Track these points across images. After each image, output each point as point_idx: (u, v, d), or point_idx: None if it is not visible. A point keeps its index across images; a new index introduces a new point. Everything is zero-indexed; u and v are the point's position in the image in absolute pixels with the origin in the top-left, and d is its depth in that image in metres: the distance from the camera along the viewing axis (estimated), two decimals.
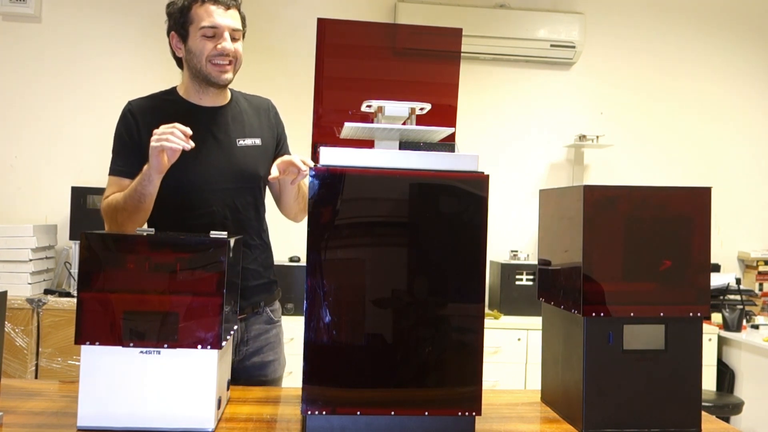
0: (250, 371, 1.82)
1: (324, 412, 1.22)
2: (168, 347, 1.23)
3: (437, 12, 3.82)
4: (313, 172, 1.23)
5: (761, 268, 4.10)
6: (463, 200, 1.26)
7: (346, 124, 1.28)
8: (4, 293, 1.35)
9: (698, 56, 4.19)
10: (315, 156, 1.43)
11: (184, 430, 1.24)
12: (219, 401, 1.30)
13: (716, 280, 3.70)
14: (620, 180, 4.01)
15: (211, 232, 1.33)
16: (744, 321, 3.65)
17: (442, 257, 1.26)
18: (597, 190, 1.35)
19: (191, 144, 1.56)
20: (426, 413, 1.24)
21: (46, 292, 3.38)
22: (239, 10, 1.77)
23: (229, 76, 1.75)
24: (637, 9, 4.15)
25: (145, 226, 1.74)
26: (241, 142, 1.79)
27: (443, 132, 1.30)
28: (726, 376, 3.58)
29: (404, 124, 1.31)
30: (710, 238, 1.37)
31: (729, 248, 4.18)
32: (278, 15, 3.86)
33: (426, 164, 1.26)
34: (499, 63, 4.04)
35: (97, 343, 1.22)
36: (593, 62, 4.10)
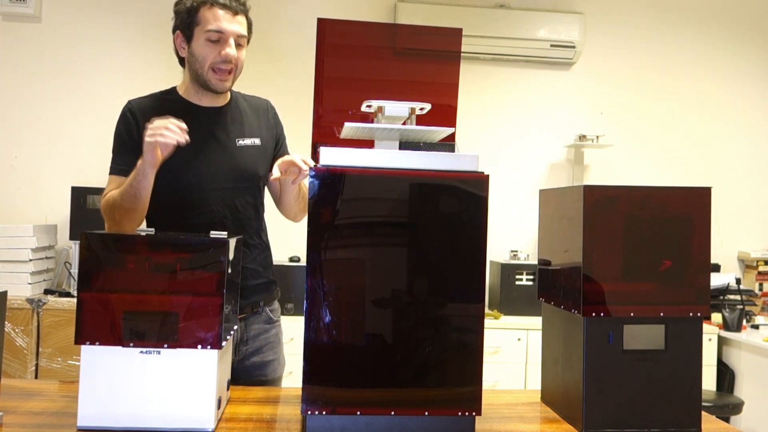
0: (249, 371, 1.82)
1: (324, 412, 1.22)
2: (168, 347, 1.23)
3: (437, 12, 3.82)
4: (313, 172, 1.23)
5: (761, 268, 4.10)
6: (463, 200, 1.26)
7: (346, 124, 1.28)
8: (4, 293, 1.35)
9: (698, 56, 4.19)
10: (315, 156, 1.43)
11: (184, 430, 1.24)
12: (219, 401, 1.30)
13: (716, 280, 3.70)
14: (620, 180, 4.01)
15: (211, 232, 1.33)
16: (744, 321, 3.65)
17: (442, 257, 1.26)
18: (597, 190, 1.34)
19: (186, 138, 1.56)
20: (426, 413, 1.24)
21: (46, 292, 3.38)
22: (247, 16, 1.77)
23: (228, 84, 1.75)
24: (637, 9, 4.15)
25: (144, 225, 1.74)
26: (241, 142, 1.79)
27: (443, 132, 1.30)
28: (726, 376, 3.58)
29: (404, 124, 1.31)
30: (710, 238, 1.37)
31: (729, 248, 4.18)
32: (278, 15, 3.86)
33: (426, 164, 1.26)
34: (499, 63, 4.04)
35: (97, 343, 1.22)
36: (593, 62, 4.10)
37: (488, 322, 3.23)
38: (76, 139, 3.75)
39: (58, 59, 3.76)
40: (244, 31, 1.75)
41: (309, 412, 1.22)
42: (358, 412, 1.22)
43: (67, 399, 1.43)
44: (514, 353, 3.47)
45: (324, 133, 1.44)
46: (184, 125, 1.56)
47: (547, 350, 1.56)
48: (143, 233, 1.32)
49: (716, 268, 4.02)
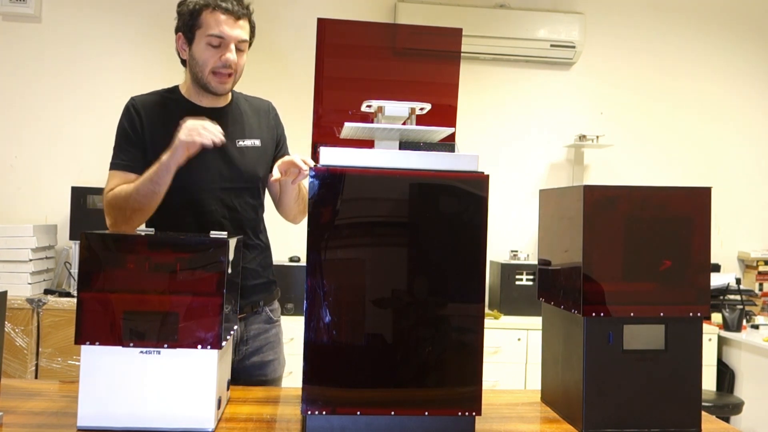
0: (249, 371, 1.82)
1: (324, 412, 1.22)
2: (168, 347, 1.23)
3: (437, 12, 3.82)
4: (313, 172, 1.23)
5: (761, 268, 4.10)
6: (463, 200, 1.26)
7: (346, 124, 1.28)
8: (4, 293, 1.35)
9: (698, 56, 4.19)
10: (315, 156, 1.43)
11: (184, 430, 1.24)
12: (219, 401, 1.30)
13: (716, 280, 3.70)
14: (620, 180, 4.01)
15: (211, 232, 1.33)
16: (744, 321, 3.65)
17: (442, 257, 1.26)
18: (597, 190, 1.34)
19: (222, 138, 1.60)
20: (426, 413, 1.24)
21: (46, 292, 3.38)
22: (250, 20, 1.76)
23: (227, 87, 1.76)
24: (637, 9, 4.15)
25: (143, 226, 1.74)
26: (241, 143, 1.79)
27: (443, 132, 1.30)
28: (726, 376, 3.58)
29: (404, 124, 1.31)
30: (710, 238, 1.37)
31: (729, 248, 4.18)
32: (278, 15, 3.86)
33: (426, 164, 1.26)
34: (499, 63, 4.04)
35: (97, 343, 1.22)
36: (593, 62, 4.10)
37: (488, 322, 3.23)
38: (76, 139, 3.75)
39: (58, 59, 3.76)
40: (246, 36, 1.75)
41: (309, 412, 1.22)
42: (358, 412, 1.22)
43: (67, 399, 1.43)
44: (514, 353, 3.47)
45: (324, 133, 1.44)
46: (219, 128, 1.60)
47: (547, 350, 1.56)
48: (143, 233, 1.32)
49: (716, 268, 4.02)
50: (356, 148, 1.26)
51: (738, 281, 3.88)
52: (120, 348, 1.23)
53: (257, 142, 1.82)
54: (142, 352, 1.23)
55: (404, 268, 1.25)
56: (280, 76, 3.71)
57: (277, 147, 1.89)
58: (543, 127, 4.09)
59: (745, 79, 4.23)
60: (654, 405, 1.35)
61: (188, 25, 1.73)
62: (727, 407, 3.28)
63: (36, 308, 3.19)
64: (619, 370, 1.34)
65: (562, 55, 3.99)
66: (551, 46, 3.94)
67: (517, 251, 3.80)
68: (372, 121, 1.32)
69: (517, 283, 3.66)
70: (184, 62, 1.80)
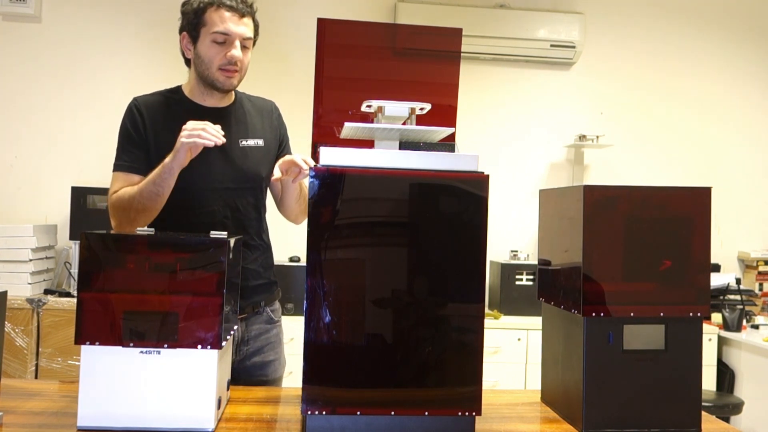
0: (250, 371, 1.82)
1: (324, 412, 1.22)
2: (168, 347, 1.23)
3: (437, 12, 3.82)
4: (313, 172, 1.23)
5: (761, 268, 4.09)
6: (463, 200, 1.26)
7: (346, 124, 1.28)
8: (4, 293, 1.35)
9: (698, 56, 4.19)
10: (315, 156, 1.43)
11: (184, 430, 1.24)
12: (219, 401, 1.30)
13: (716, 280, 3.70)
14: (620, 180, 4.01)
15: (211, 232, 1.33)
16: (744, 321, 3.65)
17: (442, 257, 1.26)
18: (597, 190, 1.34)
19: (223, 140, 1.59)
20: (426, 413, 1.24)
21: (46, 292, 3.38)
22: (254, 18, 1.77)
23: (234, 82, 1.76)
24: (637, 9, 4.15)
25: (146, 226, 1.74)
26: (244, 143, 1.80)
27: (443, 132, 1.30)
28: (726, 376, 3.58)
29: (404, 124, 1.31)
30: (710, 238, 1.37)
31: (729, 248, 4.18)
32: (278, 15, 3.86)
33: (426, 164, 1.26)
34: (499, 63, 4.04)
35: (97, 343, 1.22)
36: (593, 62, 4.10)
37: (488, 322, 3.23)
38: (76, 139, 3.75)
39: (58, 59, 3.76)
40: (250, 34, 1.75)
41: (309, 412, 1.22)
42: (358, 412, 1.22)
43: (67, 399, 1.43)
44: (514, 353, 3.47)
45: (324, 133, 1.44)
46: (219, 129, 1.60)
47: (547, 350, 1.56)
48: (143, 233, 1.32)
49: (716, 268, 4.01)
50: (356, 148, 1.26)
51: (738, 281, 3.88)
52: (120, 348, 1.23)
53: (260, 142, 1.82)
54: (142, 352, 1.23)
55: (404, 268, 1.25)
56: (280, 76, 3.71)
57: (280, 147, 1.89)
58: (543, 127, 4.09)
59: (745, 79, 4.23)
60: (654, 405, 1.35)
61: (193, 24, 1.73)
62: (727, 407, 3.28)
63: (36, 308, 3.19)
64: (619, 370, 1.34)
65: (562, 55, 3.99)
66: (551, 46, 3.94)
67: (517, 251, 3.80)
68: (372, 121, 1.32)
69: (517, 283, 3.66)
70: (188, 62, 1.80)
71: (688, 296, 1.36)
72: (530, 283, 3.64)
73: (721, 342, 3.62)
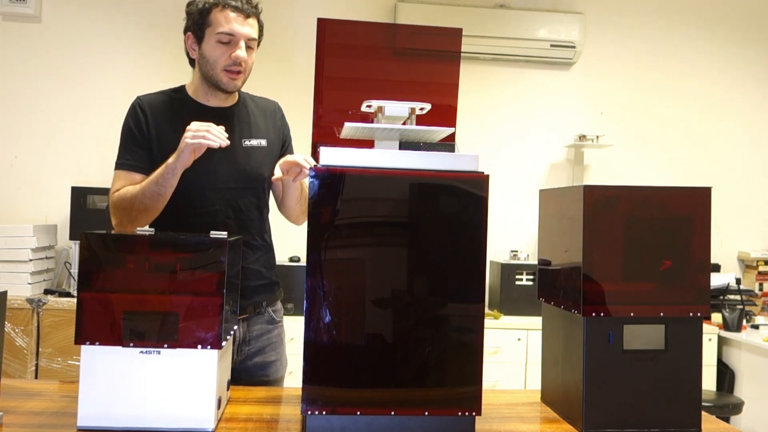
0: (251, 371, 1.82)
1: (324, 412, 1.22)
2: (168, 347, 1.23)
3: (437, 12, 3.82)
4: (313, 172, 1.23)
5: (761, 268, 4.10)
6: (463, 200, 1.26)
7: (346, 124, 1.28)
8: (4, 293, 1.35)
9: (698, 56, 4.19)
10: (315, 156, 1.43)
11: (184, 430, 1.24)
12: (219, 401, 1.30)
13: (716, 280, 3.70)
14: (620, 180, 4.01)
15: (211, 232, 1.33)
16: (744, 321, 3.65)
17: (442, 257, 1.26)
18: (597, 190, 1.34)
19: (227, 142, 1.60)
20: (426, 413, 1.24)
21: (46, 292, 3.38)
22: (258, 19, 1.77)
23: (238, 83, 1.76)
24: (637, 9, 4.15)
25: (147, 225, 1.74)
26: (247, 143, 1.80)
27: (443, 132, 1.30)
28: (726, 376, 3.58)
29: (404, 124, 1.31)
30: (710, 238, 1.37)
31: (729, 248, 4.18)
32: (278, 15, 3.86)
33: (426, 164, 1.26)
34: (499, 63, 4.04)
35: (97, 343, 1.22)
36: (593, 62, 4.10)
37: (488, 322, 3.23)
38: (76, 139, 3.75)
39: (58, 59, 3.76)
40: (255, 35, 1.75)
41: (309, 412, 1.22)
42: (358, 412, 1.22)
43: (67, 399, 1.43)
44: (514, 353, 3.47)
45: (324, 133, 1.44)
46: (222, 130, 1.60)
47: (547, 350, 1.56)
48: (143, 233, 1.32)
49: (716, 268, 4.02)
50: (356, 148, 1.26)
51: (738, 281, 3.88)
52: (120, 348, 1.23)
53: (263, 142, 1.82)
54: (142, 352, 1.23)
55: (404, 268, 1.25)
56: (280, 76, 3.71)
57: (283, 147, 1.89)
58: (543, 127, 4.09)
59: (745, 79, 4.23)
60: (654, 405, 1.35)
61: (198, 24, 1.73)
62: (727, 407, 3.28)
63: (36, 308, 3.19)
64: (619, 370, 1.34)
65: (562, 55, 3.99)
66: (551, 46, 3.94)
67: (517, 251, 3.80)
68: (372, 121, 1.32)
69: (517, 283, 3.66)
70: (192, 62, 1.80)
71: (688, 296, 1.36)
72: (530, 283, 3.64)
73: (721, 342, 3.62)
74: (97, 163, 3.68)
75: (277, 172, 1.65)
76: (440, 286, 1.26)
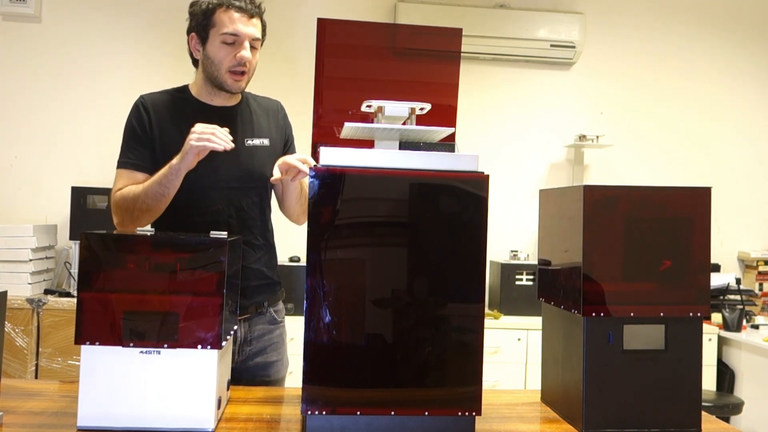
0: (253, 371, 1.82)
1: (324, 412, 1.22)
2: (168, 347, 1.23)
3: (437, 12, 3.82)
4: (313, 172, 1.23)
5: (761, 268, 4.10)
6: (463, 200, 1.26)
7: (346, 124, 1.28)
8: (4, 293, 1.35)
9: (698, 56, 4.19)
10: (315, 156, 1.43)
11: (184, 430, 1.24)
12: (219, 401, 1.30)
13: (716, 280, 3.70)
14: (620, 180, 4.01)
15: (211, 232, 1.33)
16: (744, 321, 3.65)
17: (442, 257, 1.26)
18: (597, 190, 1.34)
19: (232, 145, 1.60)
20: (426, 413, 1.24)
21: (46, 292, 3.38)
22: (261, 19, 1.77)
23: (242, 84, 1.77)
24: (637, 9, 4.15)
25: (148, 225, 1.75)
26: (249, 142, 1.80)
27: (443, 132, 1.30)
28: (726, 376, 3.58)
29: (404, 124, 1.31)
30: (710, 238, 1.37)
31: (729, 248, 4.18)
32: (278, 15, 3.86)
33: (426, 164, 1.26)
34: (499, 63, 4.04)
35: (97, 343, 1.22)
36: (593, 62, 4.10)
37: (488, 322, 3.23)
38: (76, 139, 3.75)
39: (58, 59, 3.76)
40: (259, 35, 1.75)
41: (309, 412, 1.22)
42: (358, 412, 1.22)
43: (67, 399, 1.43)
44: (514, 353, 3.47)
45: (324, 133, 1.44)
46: (227, 132, 1.61)
47: (547, 350, 1.56)
48: (143, 233, 1.32)
49: (716, 268, 4.02)
50: (356, 148, 1.26)
51: (738, 281, 3.88)
52: (120, 348, 1.23)
53: (266, 142, 1.82)
54: (142, 352, 1.23)
55: (404, 268, 1.25)
56: (280, 76, 3.71)
57: (285, 147, 1.89)
58: (543, 127, 4.09)
59: (745, 79, 4.23)
60: (654, 405, 1.35)
61: (202, 25, 1.73)
62: (727, 407, 3.28)
63: (36, 308, 3.19)
64: (619, 370, 1.34)
65: (562, 55, 3.99)
66: (551, 46, 3.94)
67: (517, 251, 3.80)
68: (372, 121, 1.32)
69: (517, 283, 3.66)
70: (195, 63, 1.80)
71: (688, 296, 1.36)
72: (530, 283, 3.64)
73: (721, 342, 3.62)
74: (97, 163, 3.68)
75: (276, 173, 1.65)
76: (440, 286, 1.26)
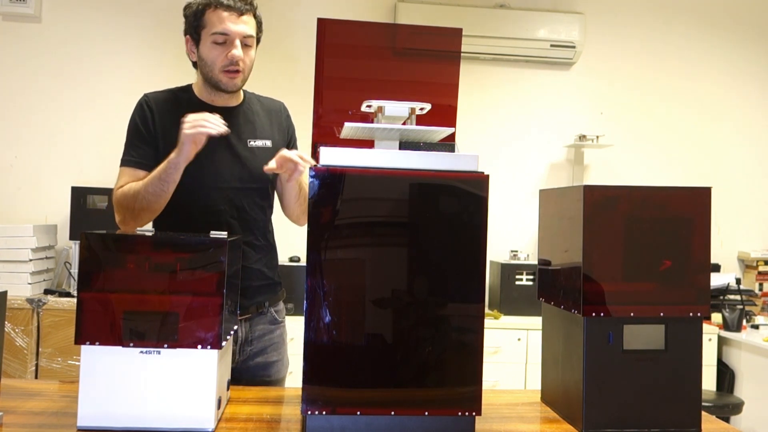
0: (253, 371, 1.82)
1: (324, 412, 1.22)
2: (168, 347, 1.23)
3: (437, 12, 3.82)
4: (313, 172, 1.23)
5: (761, 268, 4.10)
6: (463, 200, 1.26)
7: (346, 124, 1.28)
8: (4, 293, 1.35)
9: (698, 56, 4.19)
10: (315, 156, 1.43)
11: (184, 430, 1.24)
12: (219, 401, 1.30)
13: (716, 280, 3.70)
14: (620, 180, 4.01)
15: (211, 232, 1.33)
16: (744, 321, 3.65)
17: (442, 257, 1.26)
18: (597, 190, 1.34)
19: (225, 129, 1.59)
20: (426, 413, 1.24)
21: (46, 292, 3.38)
22: (255, 15, 1.76)
23: (238, 83, 1.76)
24: (637, 9, 4.15)
25: (149, 225, 1.75)
26: (252, 143, 1.80)
27: (443, 132, 1.30)
28: (726, 376, 3.58)
29: (404, 124, 1.31)
30: (710, 238, 1.37)
31: (729, 248, 4.18)
32: (278, 15, 3.86)
33: (426, 164, 1.26)
34: (499, 63, 4.04)
35: (97, 343, 1.22)
36: (593, 62, 4.10)
37: (488, 322, 3.23)
38: (76, 139, 3.75)
39: (58, 59, 3.76)
40: (251, 32, 1.75)
41: (309, 412, 1.22)
42: (358, 412, 1.22)
43: (67, 399, 1.43)
44: (514, 353, 3.47)
45: (324, 133, 1.44)
46: (219, 117, 1.60)
47: (547, 350, 1.56)
48: (143, 233, 1.32)
49: (716, 268, 4.02)
50: (356, 148, 1.26)
51: (738, 281, 3.88)
52: (120, 348, 1.23)
53: (268, 143, 1.82)
54: (142, 352, 1.23)
55: (404, 268, 1.25)
56: (281, 77, 3.71)
57: (288, 148, 1.89)
58: (543, 127, 4.09)
59: (745, 79, 4.23)
60: (654, 405, 1.35)
61: (194, 27, 1.74)
62: (727, 407, 3.28)
63: (36, 308, 3.19)
64: (619, 370, 1.34)
65: (562, 55, 3.99)
66: (551, 46, 3.94)
67: (517, 251, 3.80)
68: (372, 121, 1.32)
69: (517, 283, 3.66)
70: (195, 64, 1.80)
71: (688, 296, 1.36)
72: (530, 283, 3.64)
73: (721, 342, 3.62)
74: (97, 163, 3.68)
75: (271, 164, 1.65)
76: (440, 286, 1.26)
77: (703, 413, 1.40)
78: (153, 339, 1.23)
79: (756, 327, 3.68)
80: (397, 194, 1.24)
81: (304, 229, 1.25)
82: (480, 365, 1.26)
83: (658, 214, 1.36)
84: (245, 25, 1.73)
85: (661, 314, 1.35)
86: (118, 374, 1.23)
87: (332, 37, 1.44)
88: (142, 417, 1.23)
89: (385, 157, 1.26)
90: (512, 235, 3.96)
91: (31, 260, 3.33)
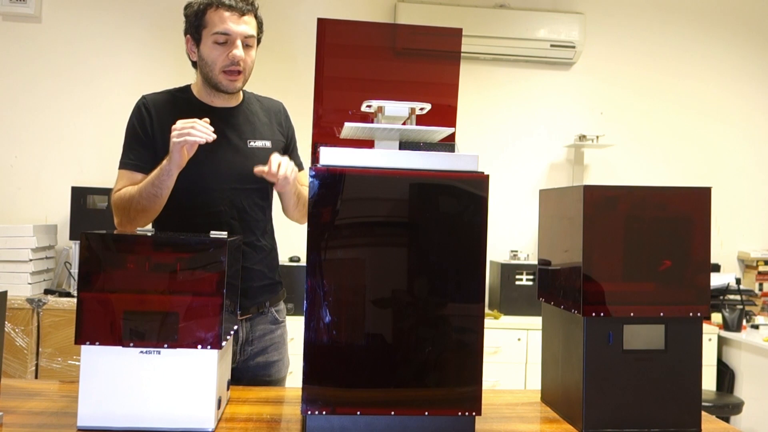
0: (254, 371, 1.82)
1: (324, 412, 1.22)
2: (168, 347, 1.23)
3: (437, 12, 3.82)
4: (313, 172, 1.23)
5: (761, 268, 4.10)
6: (463, 200, 1.26)
7: (346, 124, 1.28)
8: (4, 293, 1.35)
9: (698, 56, 4.19)
10: (315, 156, 1.43)
11: (184, 430, 1.24)
12: (219, 401, 1.30)
13: (716, 280, 3.70)
14: (620, 180, 4.01)
15: (211, 232, 1.33)
16: (744, 321, 3.65)
17: (442, 257, 1.26)
18: (597, 190, 1.34)
19: (213, 136, 1.58)
20: (426, 413, 1.24)
21: (46, 292, 3.38)
22: (256, 16, 1.76)
23: (238, 85, 1.76)
24: (637, 9, 4.15)
25: (149, 225, 1.75)
26: (252, 144, 1.79)
27: (443, 132, 1.30)
28: (726, 376, 3.58)
29: (404, 124, 1.31)
30: (710, 238, 1.37)
31: (729, 248, 4.18)
32: (278, 15, 3.86)
33: (426, 164, 1.26)
34: (499, 63, 4.04)
35: (97, 343, 1.22)
36: (593, 62, 4.10)
37: (488, 322, 3.23)
38: (76, 139, 3.75)
39: (58, 59, 3.76)
40: (252, 32, 1.74)
41: (309, 412, 1.22)
42: (358, 412, 1.22)
43: (67, 399, 1.43)
44: (514, 353, 3.47)
45: (324, 133, 1.44)
46: (208, 124, 1.59)
47: (547, 350, 1.56)
48: (143, 233, 1.32)
49: (716, 268, 4.02)
50: (356, 148, 1.26)
51: (738, 281, 3.88)
52: (120, 348, 1.23)
53: (267, 143, 1.82)
54: (142, 352, 1.23)
55: (404, 268, 1.25)
56: (281, 77, 3.71)
57: (287, 148, 1.89)
58: (543, 127, 4.09)
59: (745, 79, 4.23)
60: (654, 405, 1.35)
61: (194, 26, 1.73)
62: (727, 407, 3.28)
63: (36, 308, 3.19)
64: (619, 370, 1.34)
65: (562, 55, 3.99)
66: (551, 46, 3.94)
67: (517, 251, 3.80)
68: (372, 121, 1.32)
69: (517, 283, 3.66)
70: (194, 64, 1.80)
71: (688, 296, 1.36)
72: (530, 283, 3.64)
73: (721, 342, 3.62)
74: (97, 163, 3.68)
75: (258, 169, 1.65)
76: (440, 286, 1.26)
77: (703, 413, 1.40)
78: (153, 339, 1.23)
79: (756, 327, 3.68)
80: (397, 194, 1.24)
81: (304, 229, 1.25)
82: (480, 365, 1.26)
83: (658, 214, 1.36)
84: (246, 26, 1.73)
85: (661, 314, 1.35)
86: (118, 374, 1.23)
87: (332, 37, 1.44)
88: (142, 417, 1.23)
89: (385, 157, 1.26)
90: (512, 235, 3.97)
91: (31, 260, 3.33)
